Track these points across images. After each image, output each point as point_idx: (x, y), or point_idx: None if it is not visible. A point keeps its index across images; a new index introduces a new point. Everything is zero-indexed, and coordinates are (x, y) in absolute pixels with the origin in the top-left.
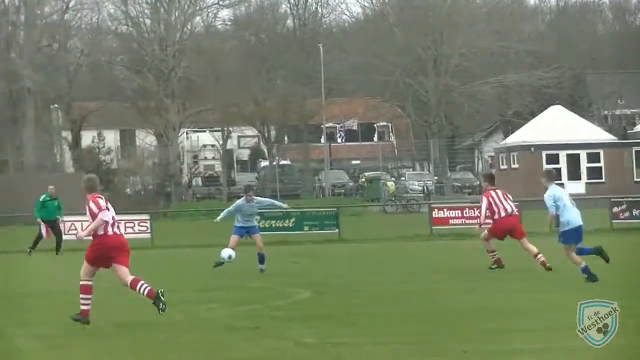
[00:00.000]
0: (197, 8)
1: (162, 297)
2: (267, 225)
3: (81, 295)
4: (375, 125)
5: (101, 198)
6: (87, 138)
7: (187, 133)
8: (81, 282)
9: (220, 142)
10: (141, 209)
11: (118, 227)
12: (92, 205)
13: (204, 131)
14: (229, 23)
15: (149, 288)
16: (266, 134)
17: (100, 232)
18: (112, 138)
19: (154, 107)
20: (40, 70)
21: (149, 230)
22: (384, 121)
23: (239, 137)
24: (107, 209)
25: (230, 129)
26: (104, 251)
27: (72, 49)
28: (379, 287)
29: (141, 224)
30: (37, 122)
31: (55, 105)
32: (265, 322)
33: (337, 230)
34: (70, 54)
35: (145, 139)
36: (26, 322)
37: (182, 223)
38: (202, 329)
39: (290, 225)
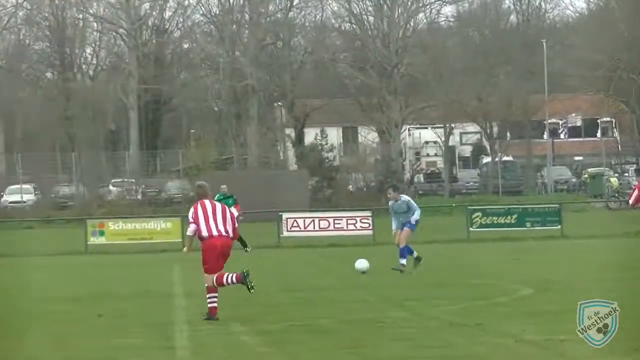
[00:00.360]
0: (420, 5)
1: (247, 279)
2: (489, 222)
3: (208, 295)
4: (598, 121)
5: (195, 208)
6: (310, 135)
7: (409, 130)
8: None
9: (442, 138)
10: (363, 205)
11: (219, 228)
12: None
13: (426, 128)
14: (452, 20)
15: (234, 275)
16: (488, 130)
17: (205, 234)
18: (334, 135)
19: (377, 104)
20: (264, 68)
21: (370, 227)
22: (608, 117)
23: (461, 133)
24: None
25: (452, 125)
26: (213, 252)
27: (295, 47)
28: (603, 283)
29: (363, 220)
30: (261, 119)
31: (279, 103)
32: (487, 319)
33: (559, 226)
34: (294, 52)
35: (368, 136)
36: (251, 318)
37: None
38: (425, 325)
39: (512, 221)
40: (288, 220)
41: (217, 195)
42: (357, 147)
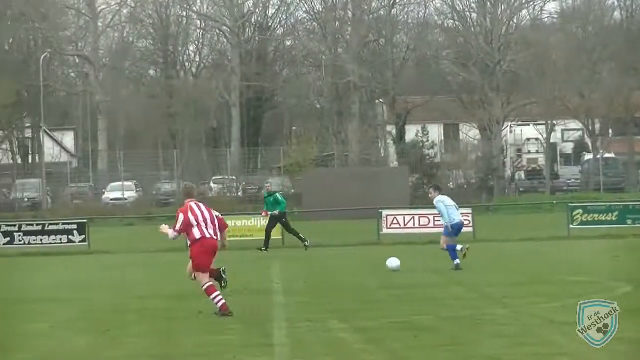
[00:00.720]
0: (524, 1)
1: (223, 275)
2: (590, 219)
3: (211, 296)
4: None
5: (183, 212)
6: (411, 132)
7: (510, 127)
8: (204, 286)
9: (544, 135)
10: (464, 202)
11: (209, 231)
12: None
13: (528, 125)
14: (556, 16)
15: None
16: (590, 127)
17: (198, 236)
18: (435, 132)
19: (478, 100)
20: (366, 66)
21: (471, 224)
22: None
23: (562, 130)
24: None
25: (554, 122)
26: (206, 252)
27: (398, 44)
28: None
29: (463, 217)
30: (362, 116)
31: (380, 100)
32: None
33: None
34: (396, 49)
35: (469, 133)
36: (349, 315)
37: (504, 217)
38: (524, 323)
39: (614, 219)
40: (388, 217)
41: (264, 192)
42: (458, 144)
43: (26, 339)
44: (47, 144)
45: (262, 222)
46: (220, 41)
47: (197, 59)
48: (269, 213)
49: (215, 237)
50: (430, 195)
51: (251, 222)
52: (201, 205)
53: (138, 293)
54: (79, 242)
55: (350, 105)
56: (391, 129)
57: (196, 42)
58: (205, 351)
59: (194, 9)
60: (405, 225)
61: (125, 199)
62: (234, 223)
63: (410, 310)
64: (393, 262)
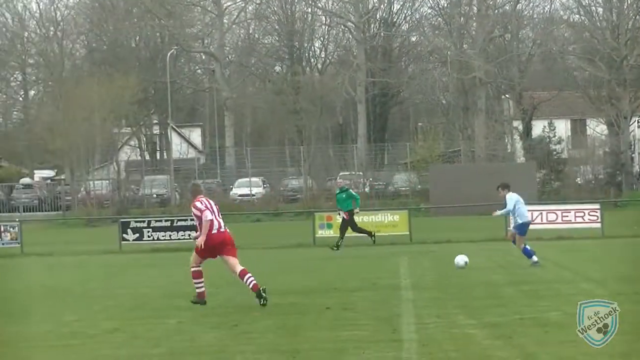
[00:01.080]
0: None
1: (263, 294)
2: None
3: (194, 280)
4: None
5: (200, 201)
6: (538, 127)
7: (638, 121)
8: (192, 269)
9: None
10: (592, 198)
11: (220, 225)
12: (194, 208)
13: None
14: None
15: (254, 282)
16: None
17: (213, 229)
18: (562, 127)
19: (605, 96)
20: (492, 61)
21: (599, 220)
22: None
23: None
24: (208, 209)
25: None
26: (209, 246)
27: (523, 39)
28: None
29: (591, 213)
30: (488, 112)
31: (506, 95)
32: None
33: None
34: (522, 44)
35: (596, 128)
36: (478, 311)
37: (633, 212)
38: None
39: None
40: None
41: (336, 189)
42: (585, 140)
43: (156, 334)
44: (175, 140)
45: (389, 217)
46: (345, 37)
47: (323, 55)
48: (344, 212)
49: (224, 230)
50: (501, 194)
51: (378, 218)
52: (210, 200)
53: (268, 288)
54: None
55: (476, 101)
56: (517, 124)
57: (321, 38)
58: (333, 346)
59: (319, 5)
60: (532, 220)
61: (253, 195)
62: (361, 219)
63: (539, 306)
64: (461, 260)
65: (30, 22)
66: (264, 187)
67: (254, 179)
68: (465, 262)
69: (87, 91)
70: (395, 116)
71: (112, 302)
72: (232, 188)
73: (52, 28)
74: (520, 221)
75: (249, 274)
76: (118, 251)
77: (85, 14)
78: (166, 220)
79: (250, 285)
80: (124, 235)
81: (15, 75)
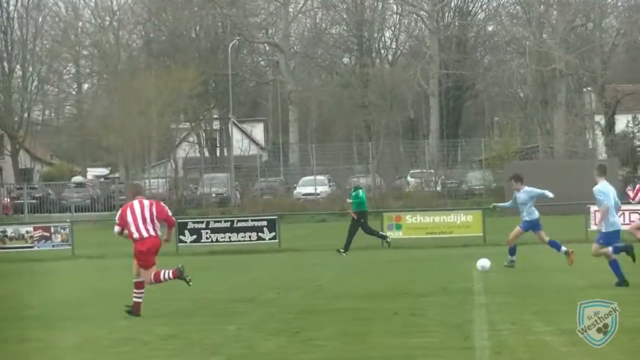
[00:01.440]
0: None
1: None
2: None
3: (135, 291)
4: None
5: (129, 206)
6: (621, 122)
7: None
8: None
9: None
10: None
11: (147, 230)
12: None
13: None
14: None
15: (170, 270)
16: None
17: (136, 236)
18: None
19: None
20: (573, 51)
21: None
22: None
23: None
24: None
25: None
26: (137, 253)
27: (607, 28)
28: None
29: None
30: (569, 105)
31: (588, 88)
32: None
33: None
34: (605, 34)
35: None
36: (555, 317)
37: None
38: None
39: None
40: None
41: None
42: None
43: (213, 341)
44: (236, 136)
45: (462, 217)
46: (417, 27)
47: (393, 46)
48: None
49: (153, 235)
50: (514, 187)
51: (450, 218)
52: (145, 202)
53: (329, 293)
54: (269, 239)
55: (556, 94)
56: (599, 118)
57: (392, 28)
58: (402, 354)
59: None
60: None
61: (318, 194)
62: (432, 219)
63: (623, 312)
64: (484, 263)
65: (84, 11)
66: (330, 186)
67: (319, 177)
68: (483, 267)
69: (144, 84)
70: (469, 110)
71: (167, 307)
72: (295, 187)
73: (107, 18)
74: (528, 219)
75: (162, 270)
76: (174, 253)
77: (143, 2)
78: (226, 221)
79: (170, 274)
80: (181, 237)
81: (68, 68)
